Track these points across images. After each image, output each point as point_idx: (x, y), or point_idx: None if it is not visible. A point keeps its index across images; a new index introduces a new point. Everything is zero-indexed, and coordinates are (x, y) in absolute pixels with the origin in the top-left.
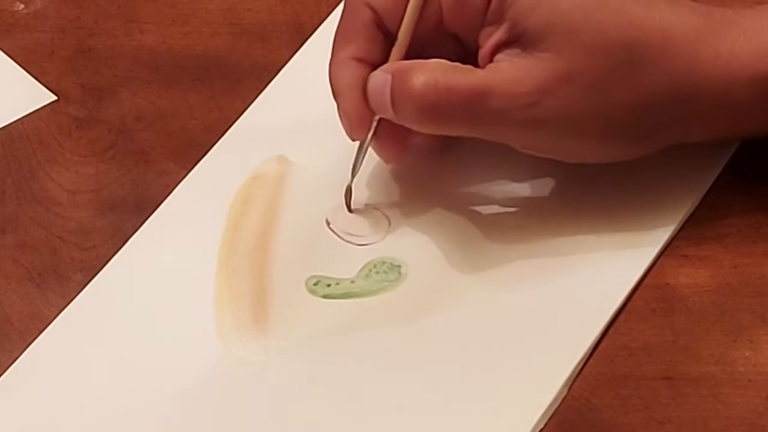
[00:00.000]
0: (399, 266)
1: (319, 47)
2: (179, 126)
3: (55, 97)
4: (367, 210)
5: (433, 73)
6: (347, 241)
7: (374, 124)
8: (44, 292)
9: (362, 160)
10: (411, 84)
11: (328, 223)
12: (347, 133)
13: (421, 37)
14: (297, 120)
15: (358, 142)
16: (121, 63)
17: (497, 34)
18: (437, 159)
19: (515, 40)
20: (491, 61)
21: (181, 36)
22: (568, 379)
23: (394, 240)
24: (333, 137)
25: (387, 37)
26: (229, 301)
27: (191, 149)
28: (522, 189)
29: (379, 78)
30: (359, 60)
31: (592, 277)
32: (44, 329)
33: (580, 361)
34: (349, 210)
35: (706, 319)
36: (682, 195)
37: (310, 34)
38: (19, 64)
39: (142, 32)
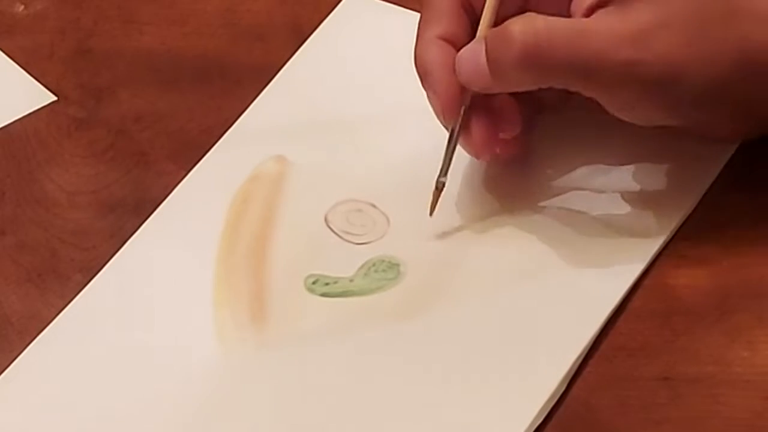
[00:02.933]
0: (398, 265)
1: (317, 48)
2: (178, 127)
3: (54, 98)
4: (365, 208)
5: (531, 20)
6: (346, 240)
7: (461, 113)
8: (43, 293)
9: (453, 151)
10: (510, 35)
11: (327, 222)
12: (439, 115)
13: (504, 17)
14: (296, 120)
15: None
16: (120, 64)
17: None
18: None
19: (609, 1)
20: None
21: (180, 37)
22: (566, 376)
23: (393, 239)
24: (331, 137)
25: (472, 21)
26: (228, 301)
27: (190, 150)
28: (520, 188)
29: (471, 49)
30: (446, 40)
31: (591, 276)
32: (43, 329)
33: (577, 359)
34: (432, 212)
35: (704, 320)
36: (681, 195)
37: (309, 35)
38: (19, 65)
39: (141, 33)
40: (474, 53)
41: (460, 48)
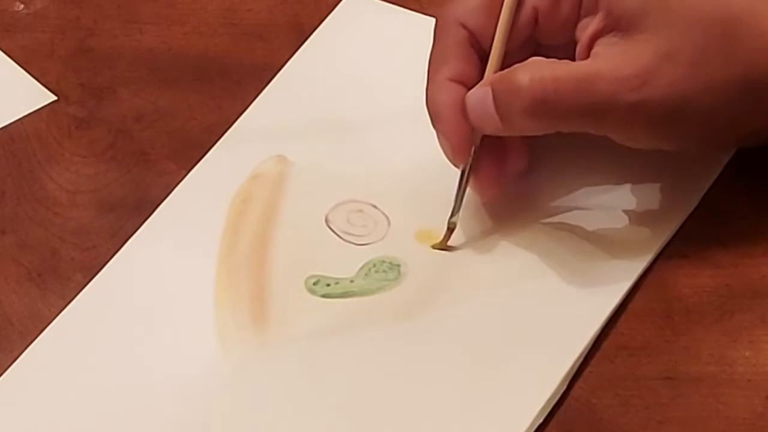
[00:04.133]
0: (398, 265)
1: (318, 47)
2: (179, 126)
3: (55, 97)
4: (366, 209)
5: (537, 68)
6: (347, 241)
7: (471, 154)
8: (44, 293)
9: (464, 191)
10: (517, 84)
11: (328, 223)
12: (450, 157)
13: (510, 53)
14: (296, 120)
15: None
16: (121, 63)
17: (593, 24)
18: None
19: (612, 28)
20: (589, 53)
21: (181, 36)
22: (566, 376)
23: (394, 239)
24: (332, 137)
25: (481, 56)
26: (228, 301)
27: (191, 149)
28: (521, 187)
29: (479, 92)
30: (456, 81)
31: (591, 275)
32: (44, 329)
33: (578, 359)
34: (446, 247)
35: (705, 320)
36: (682, 195)
37: (310, 35)
38: (19, 64)
39: (142, 32)
40: (482, 98)
41: (471, 87)
